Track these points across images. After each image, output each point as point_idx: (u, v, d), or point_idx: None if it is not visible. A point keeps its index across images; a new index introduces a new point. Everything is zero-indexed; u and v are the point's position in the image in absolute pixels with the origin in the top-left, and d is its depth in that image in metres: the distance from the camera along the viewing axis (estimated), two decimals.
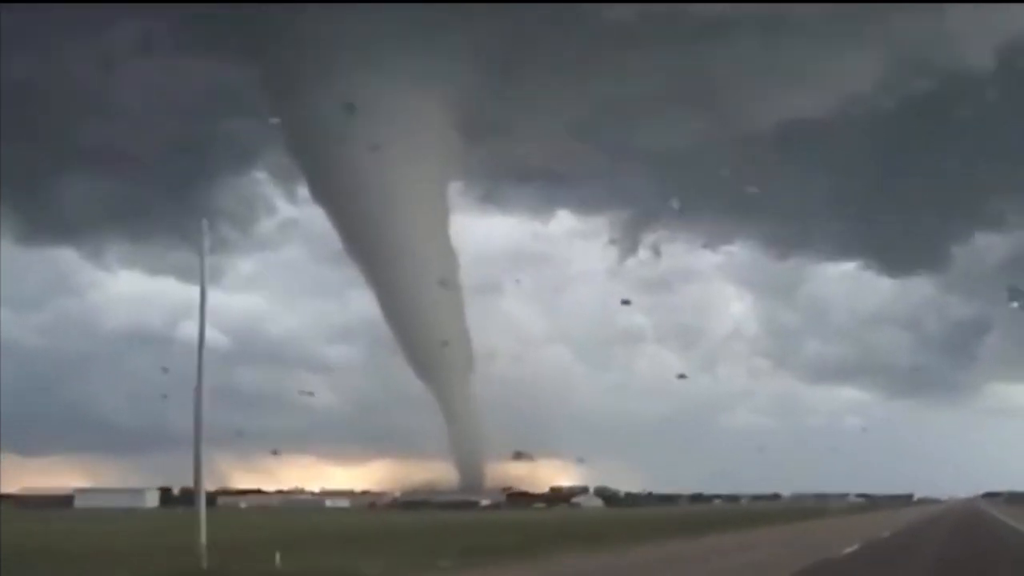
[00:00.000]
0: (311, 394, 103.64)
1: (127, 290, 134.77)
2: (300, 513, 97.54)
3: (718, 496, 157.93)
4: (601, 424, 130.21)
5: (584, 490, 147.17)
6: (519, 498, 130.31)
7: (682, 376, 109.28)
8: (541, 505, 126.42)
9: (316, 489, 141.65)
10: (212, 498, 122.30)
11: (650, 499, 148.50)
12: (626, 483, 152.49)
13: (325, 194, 69.74)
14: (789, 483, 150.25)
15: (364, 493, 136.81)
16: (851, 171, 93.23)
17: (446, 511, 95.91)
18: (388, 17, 63.10)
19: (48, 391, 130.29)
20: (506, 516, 76.69)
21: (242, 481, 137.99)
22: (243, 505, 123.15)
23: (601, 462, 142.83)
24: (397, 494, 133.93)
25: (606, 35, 71.10)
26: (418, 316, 66.28)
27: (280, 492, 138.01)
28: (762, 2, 69.53)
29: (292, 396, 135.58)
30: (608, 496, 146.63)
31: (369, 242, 66.14)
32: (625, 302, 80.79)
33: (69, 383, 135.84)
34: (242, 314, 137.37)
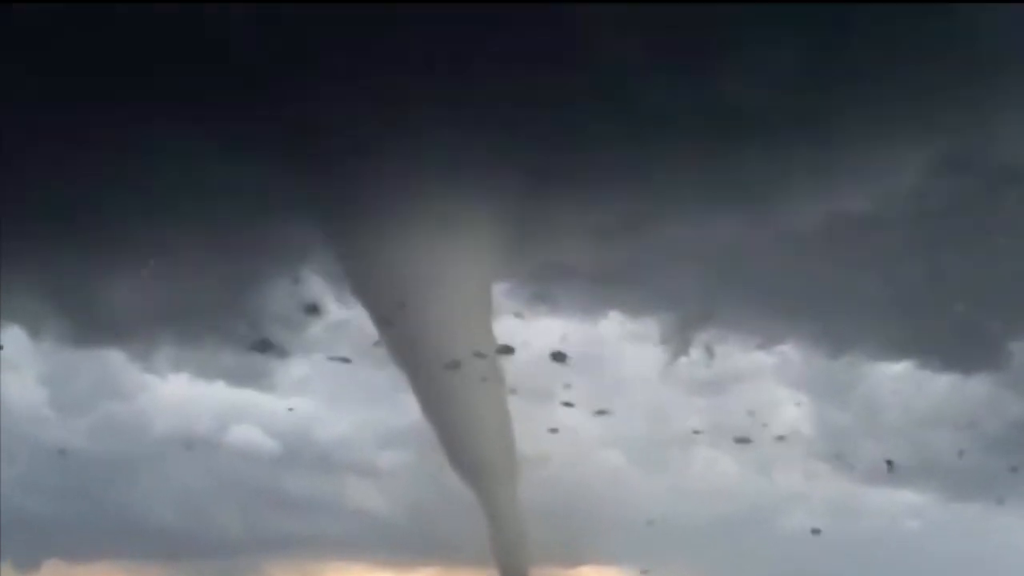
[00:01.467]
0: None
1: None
2: None
3: None
4: (656, 530, 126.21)
5: None
6: None
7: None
8: None
9: None
10: None
11: None
12: None
13: (364, 293, 69.78)
14: None
15: None
16: (904, 267, 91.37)
17: None
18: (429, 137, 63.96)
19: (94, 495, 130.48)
20: None
21: None
22: None
23: (655, 570, 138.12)
24: None
25: (650, 132, 70.95)
26: (462, 418, 65.76)
27: None
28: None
29: (342, 502, 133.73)
30: None
31: (410, 343, 66.08)
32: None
33: (116, 487, 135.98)
34: (292, 418, 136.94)
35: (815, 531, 77.81)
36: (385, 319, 70.05)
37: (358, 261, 68.86)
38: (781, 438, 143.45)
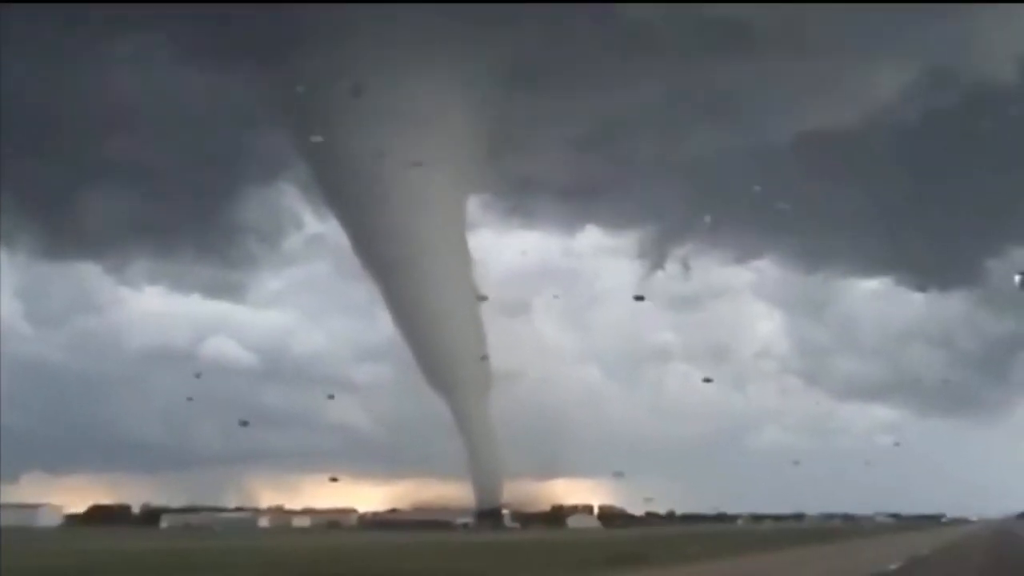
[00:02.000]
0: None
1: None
2: (224, 536, 78.54)
3: (741, 515, 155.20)
4: (629, 444, 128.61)
5: (589, 509, 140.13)
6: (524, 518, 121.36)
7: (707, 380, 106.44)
8: (515, 525, 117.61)
9: (298, 507, 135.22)
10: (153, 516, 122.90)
11: (671, 519, 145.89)
12: (652, 503, 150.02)
13: (339, 206, 68.71)
14: (820, 502, 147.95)
15: (343, 512, 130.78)
16: (882, 183, 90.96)
17: (411, 531, 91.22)
18: (404, 21, 61.99)
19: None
20: (455, 539, 67.91)
21: (269, 500, 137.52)
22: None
23: (626, 482, 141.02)
24: (361, 512, 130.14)
25: (630, 41, 69.77)
26: (435, 332, 65.24)
27: (309, 511, 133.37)
28: (785, 1, 67.75)
29: (320, 415, 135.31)
30: (614, 516, 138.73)
31: (383, 255, 65.38)
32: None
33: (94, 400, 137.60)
34: (269, 332, 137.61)
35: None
36: (359, 233, 69.46)
37: (331, 172, 68.07)
38: (757, 355, 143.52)
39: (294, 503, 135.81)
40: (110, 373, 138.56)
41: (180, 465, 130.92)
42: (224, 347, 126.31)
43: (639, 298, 79.31)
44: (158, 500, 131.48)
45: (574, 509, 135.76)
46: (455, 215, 68.47)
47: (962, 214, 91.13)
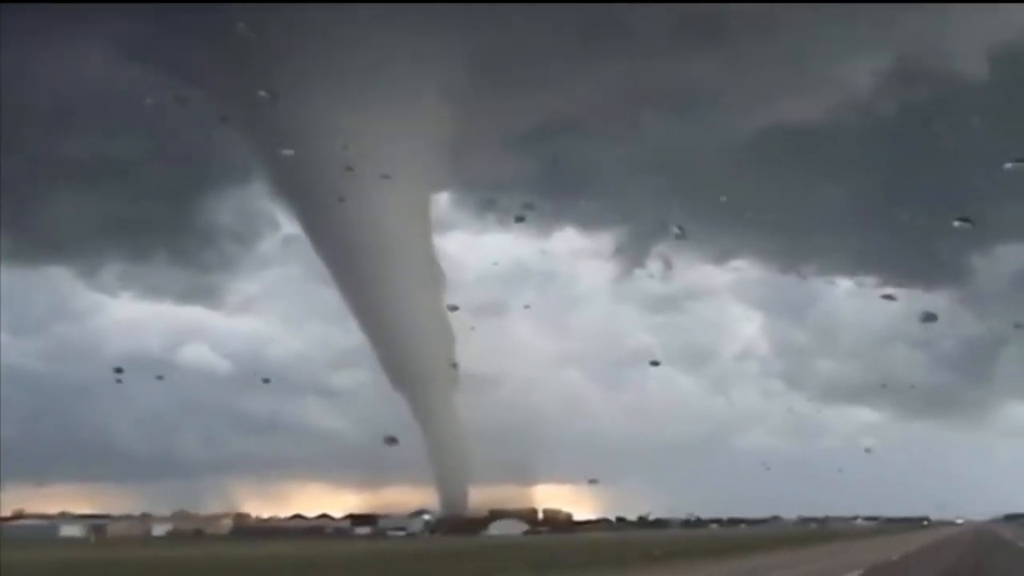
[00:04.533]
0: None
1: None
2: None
3: (716, 521, 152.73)
4: (609, 449, 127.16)
5: (531, 513, 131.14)
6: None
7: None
8: (400, 532, 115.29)
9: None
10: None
11: (642, 524, 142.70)
12: (623, 508, 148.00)
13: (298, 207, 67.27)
14: (801, 506, 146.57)
15: (215, 517, 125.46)
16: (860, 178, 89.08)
17: (281, 539, 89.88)
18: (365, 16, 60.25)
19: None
20: (307, 548, 66.87)
21: (258, 508, 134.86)
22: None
23: (607, 487, 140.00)
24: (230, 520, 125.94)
25: (598, 36, 67.97)
26: (395, 331, 64.00)
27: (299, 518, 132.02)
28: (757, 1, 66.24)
29: (301, 422, 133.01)
30: (560, 522, 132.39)
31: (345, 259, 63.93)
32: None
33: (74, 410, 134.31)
34: (244, 338, 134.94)
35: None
36: (320, 234, 67.60)
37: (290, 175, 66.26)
38: (737, 357, 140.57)
39: (284, 511, 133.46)
40: (89, 381, 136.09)
41: (162, 474, 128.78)
42: (199, 353, 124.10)
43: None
44: (142, 509, 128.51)
45: (501, 514, 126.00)
46: (419, 213, 66.95)
47: (948, 210, 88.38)
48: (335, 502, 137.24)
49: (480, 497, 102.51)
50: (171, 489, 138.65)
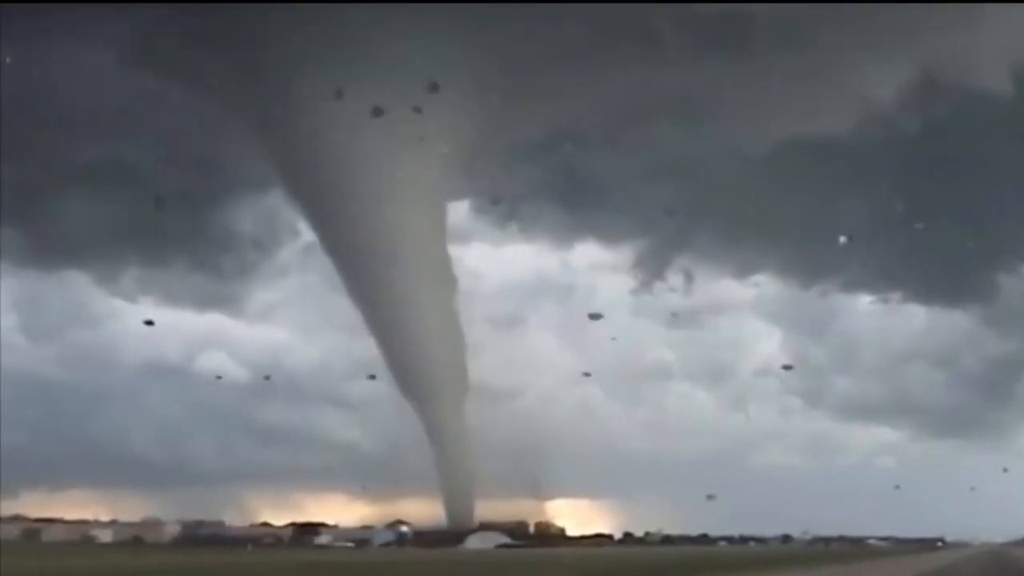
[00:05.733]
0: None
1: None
2: None
3: (727, 538, 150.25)
4: (628, 464, 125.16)
5: (512, 527, 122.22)
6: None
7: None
8: (350, 544, 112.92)
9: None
10: None
11: (644, 541, 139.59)
12: (638, 524, 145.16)
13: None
14: (817, 525, 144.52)
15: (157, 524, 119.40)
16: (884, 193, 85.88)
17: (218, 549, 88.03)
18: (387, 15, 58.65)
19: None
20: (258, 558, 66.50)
21: (274, 517, 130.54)
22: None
23: (623, 502, 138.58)
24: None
25: (614, 41, 65.66)
26: (409, 342, 63.14)
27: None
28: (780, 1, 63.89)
29: (319, 432, 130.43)
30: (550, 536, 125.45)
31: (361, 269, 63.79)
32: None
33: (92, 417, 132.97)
34: (264, 347, 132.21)
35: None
36: (337, 247, 66.13)
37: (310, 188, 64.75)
38: (757, 373, 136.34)
39: (283, 519, 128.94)
40: (107, 387, 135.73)
41: (179, 482, 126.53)
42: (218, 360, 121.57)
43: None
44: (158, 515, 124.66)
45: (488, 527, 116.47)
46: (433, 221, 65.54)
47: (973, 226, 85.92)
48: (350, 512, 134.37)
49: (489, 511, 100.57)
50: (189, 497, 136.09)
